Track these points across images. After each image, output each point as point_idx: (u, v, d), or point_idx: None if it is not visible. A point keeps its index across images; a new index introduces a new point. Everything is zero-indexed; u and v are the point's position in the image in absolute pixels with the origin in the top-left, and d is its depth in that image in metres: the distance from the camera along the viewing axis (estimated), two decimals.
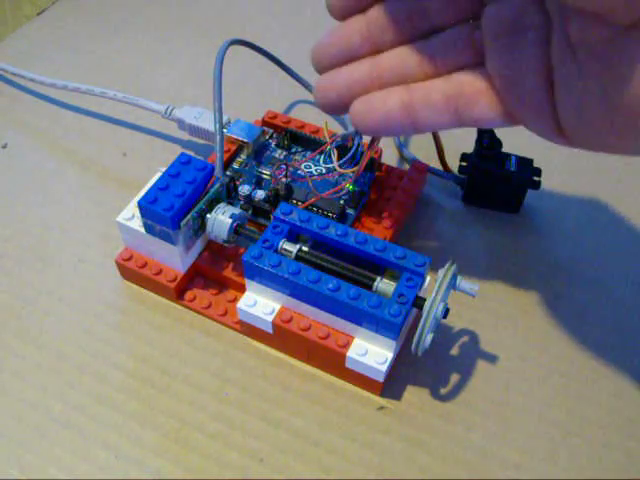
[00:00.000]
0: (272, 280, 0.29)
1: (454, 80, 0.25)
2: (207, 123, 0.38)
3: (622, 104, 0.21)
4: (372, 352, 0.29)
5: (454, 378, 0.31)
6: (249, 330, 0.32)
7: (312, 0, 0.52)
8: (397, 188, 0.36)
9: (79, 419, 0.30)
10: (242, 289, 0.31)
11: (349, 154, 0.33)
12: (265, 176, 0.36)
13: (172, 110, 0.39)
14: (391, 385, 0.30)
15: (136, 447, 0.29)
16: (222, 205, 0.31)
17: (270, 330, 0.30)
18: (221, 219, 0.31)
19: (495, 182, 0.36)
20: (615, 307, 0.34)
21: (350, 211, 0.35)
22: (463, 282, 0.28)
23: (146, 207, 0.30)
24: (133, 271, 0.33)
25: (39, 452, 0.29)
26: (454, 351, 0.32)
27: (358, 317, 0.28)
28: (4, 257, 0.36)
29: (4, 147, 0.41)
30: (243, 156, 0.37)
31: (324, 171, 0.36)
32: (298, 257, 0.30)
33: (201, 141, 0.39)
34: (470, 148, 0.36)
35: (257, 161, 0.37)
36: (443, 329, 0.32)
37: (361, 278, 0.29)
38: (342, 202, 0.35)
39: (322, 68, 0.28)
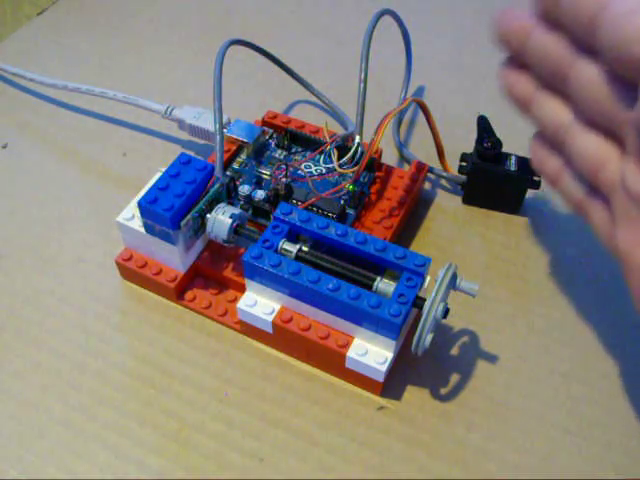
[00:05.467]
0: (272, 280, 0.29)
1: None
2: (207, 123, 0.38)
3: None
4: (372, 352, 0.29)
5: (454, 378, 0.31)
6: (249, 330, 0.32)
7: (312, 0, 0.52)
8: (397, 188, 0.36)
9: (79, 419, 0.30)
10: (242, 289, 0.31)
11: (349, 154, 0.34)
12: (265, 176, 0.36)
13: (172, 110, 0.39)
14: (391, 385, 0.30)
15: (136, 447, 0.29)
16: (222, 205, 0.31)
17: (270, 330, 0.30)
18: (221, 219, 0.31)
19: (495, 182, 0.36)
20: (615, 307, 0.34)
21: (350, 211, 0.35)
22: (463, 282, 0.28)
23: (146, 207, 0.30)
24: (133, 271, 0.33)
25: (39, 452, 0.29)
26: (454, 351, 0.32)
27: (358, 317, 0.28)
28: (4, 257, 0.36)
29: (4, 147, 0.41)
30: (243, 156, 0.37)
31: (324, 171, 0.36)
32: (298, 257, 0.30)
33: (201, 141, 0.39)
34: (470, 148, 0.36)
35: (257, 161, 0.37)
36: (443, 329, 0.32)
37: (361, 278, 0.29)
38: (342, 202, 0.35)
39: None
